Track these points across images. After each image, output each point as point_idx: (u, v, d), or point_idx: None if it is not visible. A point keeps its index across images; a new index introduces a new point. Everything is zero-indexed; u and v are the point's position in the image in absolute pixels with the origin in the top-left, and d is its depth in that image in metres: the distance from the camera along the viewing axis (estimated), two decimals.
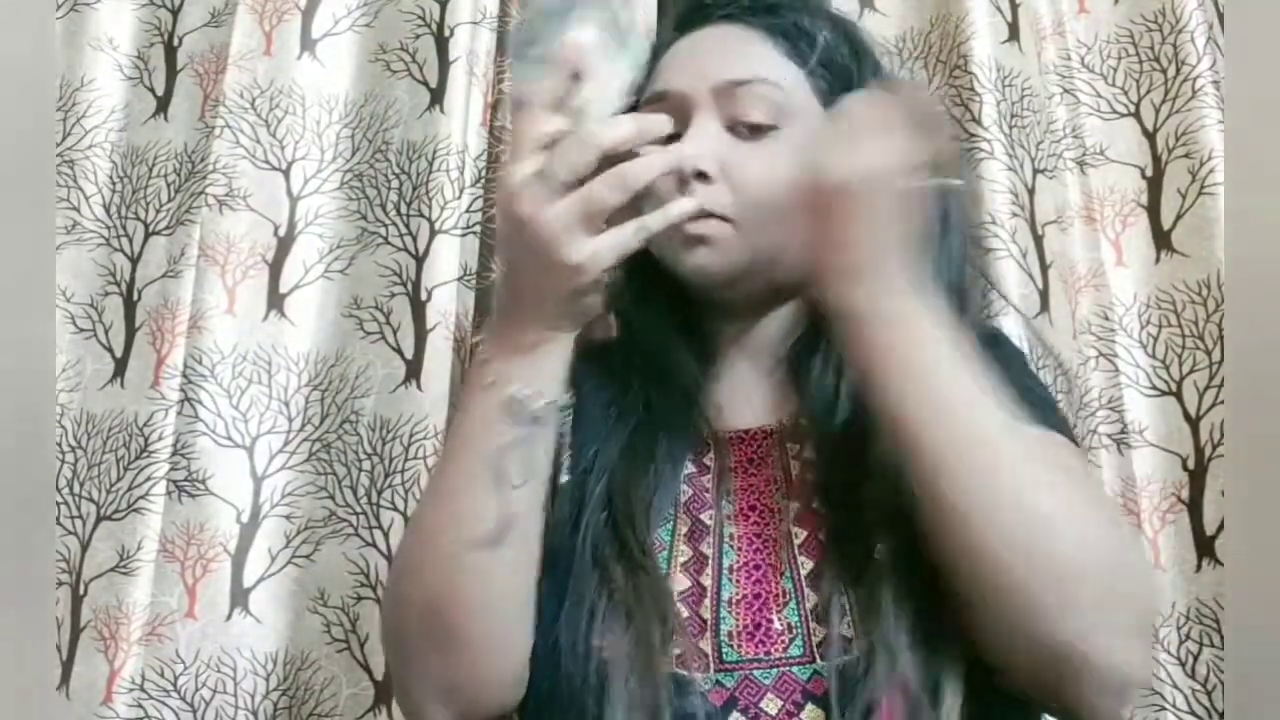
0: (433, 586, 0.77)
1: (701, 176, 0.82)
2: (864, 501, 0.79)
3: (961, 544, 0.70)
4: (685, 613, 0.78)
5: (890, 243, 0.73)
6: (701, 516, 0.83)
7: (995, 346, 0.88)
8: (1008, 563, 0.69)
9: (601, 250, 0.72)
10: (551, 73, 0.73)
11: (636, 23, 0.75)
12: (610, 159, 0.72)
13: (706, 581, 0.80)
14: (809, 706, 0.74)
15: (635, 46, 0.75)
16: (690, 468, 0.85)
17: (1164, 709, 1.13)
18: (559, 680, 0.77)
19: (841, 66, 0.89)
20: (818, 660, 0.75)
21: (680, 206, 0.76)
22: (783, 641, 0.76)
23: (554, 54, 0.73)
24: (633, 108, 0.77)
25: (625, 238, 0.73)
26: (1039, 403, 0.84)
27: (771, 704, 0.74)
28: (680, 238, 0.81)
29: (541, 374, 0.76)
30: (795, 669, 0.75)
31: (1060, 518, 0.69)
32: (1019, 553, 0.68)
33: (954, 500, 0.70)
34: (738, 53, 0.88)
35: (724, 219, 0.83)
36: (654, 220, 0.74)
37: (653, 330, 0.90)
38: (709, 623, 0.78)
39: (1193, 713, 1.13)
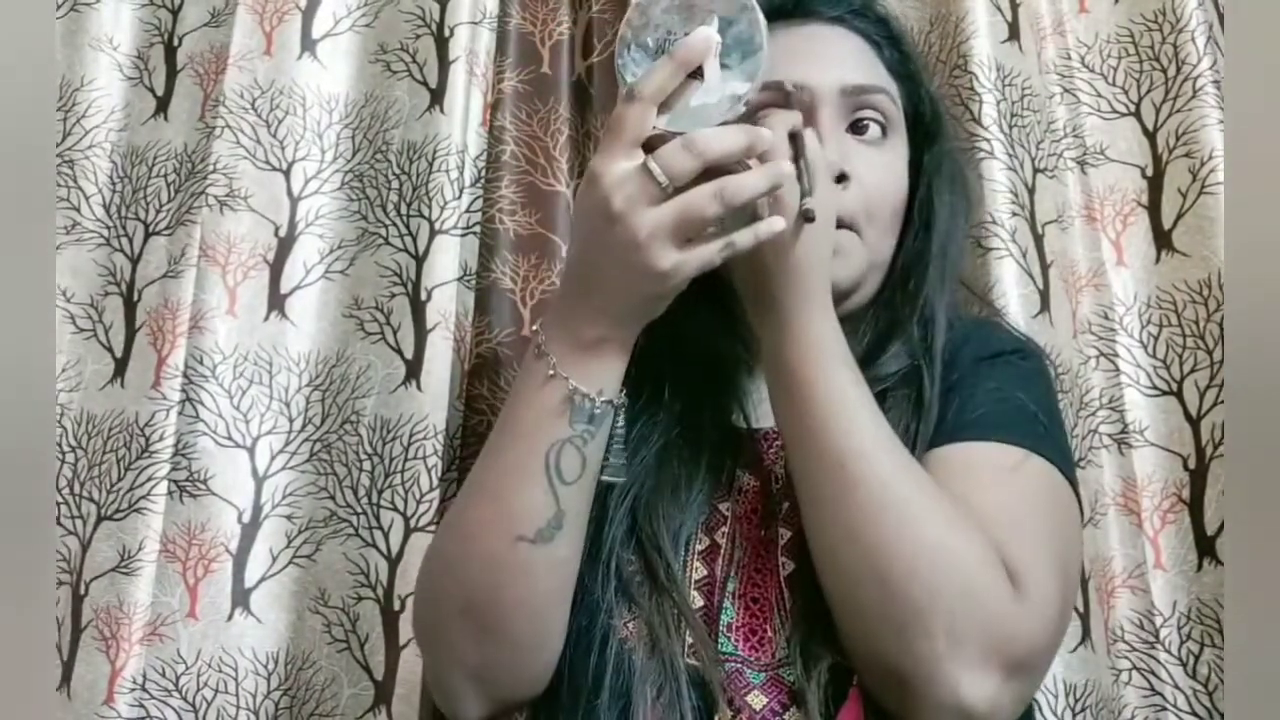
0: (476, 583, 0.75)
1: (842, 179, 0.82)
2: None
3: (823, 559, 0.72)
4: (700, 601, 0.79)
5: (804, 272, 0.74)
6: (720, 506, 0.83)
7: (1022, 356, 0.88)
8: (855, 583, 0.70)
9: (688, 262, 0.70)
10: (667, 66, 0.70)
11: (759, 34, 0.71)
12: (712, 168, 0.69)
13: (719, 571, 0.80)
14: (793, 710, 0.74)
15: (755, 57, 0.71)
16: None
17: (1165, 709, 1.13)
18: (561, 676, 0.78)
19: (925, 90, 0.90)
20: (798, 665, 0.75)
21: (770, 226, 0.71)
22: (772, 646, 0.76)
23: (675, 47, 0.70)
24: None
25: (711, 254, 0.71)
26: (1026, 418, 0.82)
27: (757, 700, 0.75)
28: None
29: (603, 371, 0.74)
30: (783, 671, 0.75)
31: (912, 541, 0.69)
32: (867, 574, 0.69)
33: (816, 516, 0.73)
34: (862, 59, 0.88)
35: (853, 229, 0.83)
36: (742, 239, 0.71)
37: (702, 327, 0.88)
38: (714, 610, 0.78)
39: (1194, 713, 1.13)
